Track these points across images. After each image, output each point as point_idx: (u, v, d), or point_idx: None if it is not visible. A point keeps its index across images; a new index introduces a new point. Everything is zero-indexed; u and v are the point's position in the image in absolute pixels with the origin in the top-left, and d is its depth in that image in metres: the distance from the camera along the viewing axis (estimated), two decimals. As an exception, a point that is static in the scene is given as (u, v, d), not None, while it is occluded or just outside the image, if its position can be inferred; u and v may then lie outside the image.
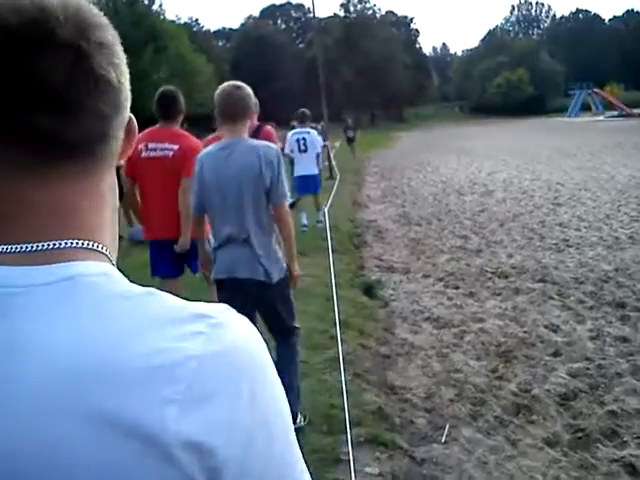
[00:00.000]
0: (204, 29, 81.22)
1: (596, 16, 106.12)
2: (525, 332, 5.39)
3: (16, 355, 0.52)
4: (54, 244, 0.57)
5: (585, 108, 64.88)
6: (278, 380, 0.60)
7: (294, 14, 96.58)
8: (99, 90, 0.58)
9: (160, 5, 53.57)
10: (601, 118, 55.59)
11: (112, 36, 0.62)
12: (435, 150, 29.48)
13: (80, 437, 0.50)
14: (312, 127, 11.05)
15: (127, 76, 0.64)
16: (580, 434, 3.67)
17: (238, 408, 0.54)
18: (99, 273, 0.58)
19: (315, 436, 3.42)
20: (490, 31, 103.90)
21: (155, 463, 0.51)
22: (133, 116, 0.67)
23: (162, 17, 52.00)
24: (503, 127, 50.57)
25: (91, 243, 0.60)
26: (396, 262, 8.26)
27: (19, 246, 0.57)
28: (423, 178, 18.52)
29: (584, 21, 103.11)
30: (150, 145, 4.41)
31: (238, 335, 0.58)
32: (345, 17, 76.63)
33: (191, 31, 63.11)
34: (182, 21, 67.42)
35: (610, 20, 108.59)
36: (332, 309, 5.30)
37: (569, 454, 3.50)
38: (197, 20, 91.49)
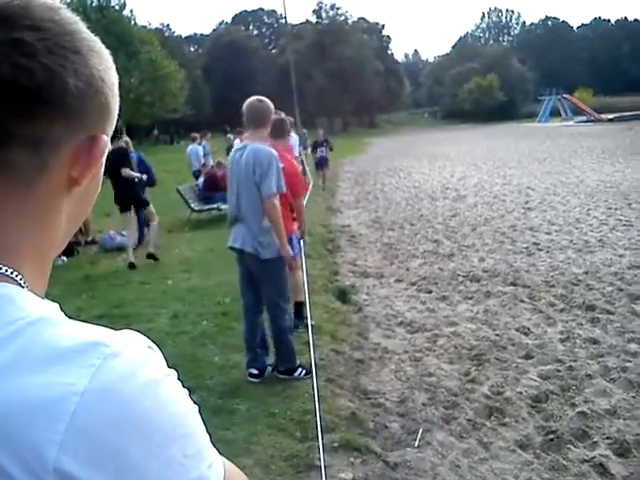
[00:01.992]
0: (175, 34, 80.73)
1: (565, 23, 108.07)
2: (497, 335, 5.43)
3: None
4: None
5: (555, 114, 65.90)
6: (170, 404, 0.56)
7: (266, 20, 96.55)
8: None
9: (131, 11, 53.24)
10: (570, 123, 56.52)
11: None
12: (407, 156, 29.68)
13: None
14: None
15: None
16: (551, 436, 3.70)
17: (122, 442, 0.52)
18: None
19: (288, 442, 3.40)
20: (461, 37, 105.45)
21: None
22: (105, 139, 0.63)
23: (133, 22, 51.66)
24: (474, 132, 51.11)
25: None
26: (370, 267, 8.28)
27: None
28: (396, 183, 18.62)
29: (553, 28, 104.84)
30: None
31: (131, 364, 0.54)
32: (317, 23, 76.82)
33: (162, 36, 62.74)
34: (153, 26, 67.06)
35: (578, 27, 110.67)
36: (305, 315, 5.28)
37: (541, 456, 3.52)
38: (168, 26, 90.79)
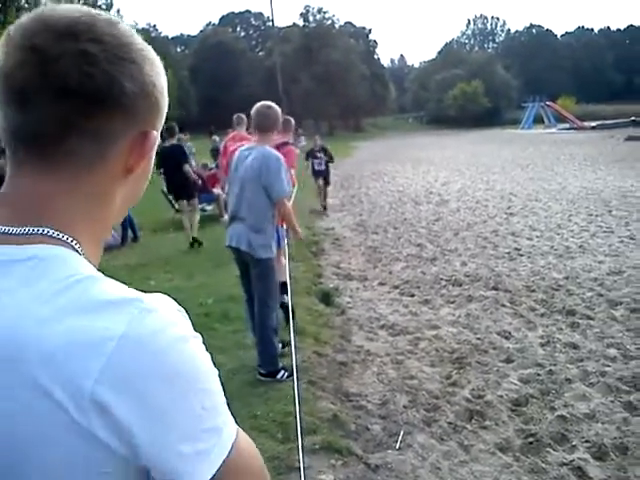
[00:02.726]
0: (162, 35, 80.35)
1: (549, 31, 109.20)
2: (478, 339, 5.47)
3: None
4: (26, 230, 0.69)
5: (538, 120, 66.49)
6: (194, 360, 0.69)
7: (254, 22, 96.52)
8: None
9: (118, 11, 52.67)
10: (553, 130, 57.04)
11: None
12: (392, 160, 29.78)
13: (19, 408, 0.62)
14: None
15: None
16: (531, 439, 3.74)
17: (149, 385, 0.63)
18: (54, 256, 0.67)
19: (270, 444, 3.40)
20: (447, 44, 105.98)
21: (78, 429, 0.62)
22: (155, 134, 0.77)
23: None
24: (458, 138, 51.41)
25: (56, 233, 0.70)
26: (353, 270, 8.30)
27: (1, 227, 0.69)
28: (380, 187, 18.69)
29: (537, 36, 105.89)
30: None
31: (163, 321, 0.66)
32: (304, 27, 76.93)
33: (149, 37, 62.45)
34: (140, 27, 66.68)
35: (562, 36, 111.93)
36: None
37: (520, 459, 3.56)
38: (155, 26, 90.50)
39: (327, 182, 14.43)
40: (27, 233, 0.68)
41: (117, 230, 9.73)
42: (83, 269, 0.68)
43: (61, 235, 0.70)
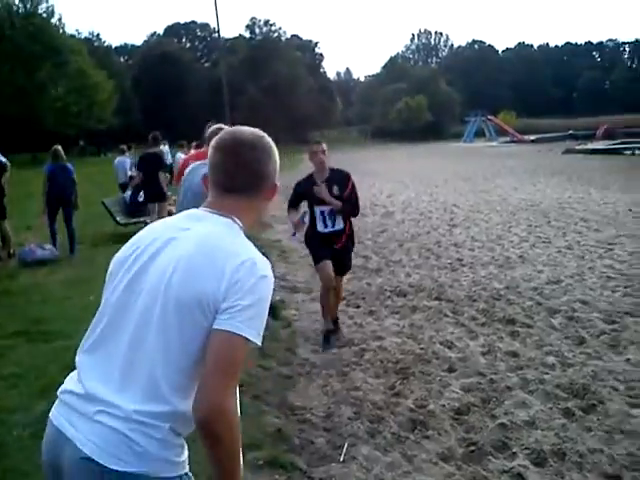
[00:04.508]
0: (105, 44, 78.91)
1: (490, 47, 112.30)
2: (421, 349, 5.53)
3: (190, 234, 1.60)
4: (226, 215, 1.66)
5: (480, 134, 68.24)
6: (269, 292, 1.60)
7: (199, 33, 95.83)
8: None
9: (59, 19, 51.43)
10: (494, 144, 58.66)
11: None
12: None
13: (207, 274, 1.52)
14: None
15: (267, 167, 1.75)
16: (473, 447, 3.78)
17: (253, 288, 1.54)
18: (233, 224, 1.65)
19: None
20: (391, 58, 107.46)
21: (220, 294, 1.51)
22: (278, 185, 1.77)
23: (61, 31, 50.25)
24: (403, 151, 52.19)
25: (237, 220, 1.66)
26: (300, 282, 8.29)
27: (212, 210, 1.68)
28: (327, 199, 18.73)
29: (479, 51, 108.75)
30: None
31: (265, 265, 1.60)
32: (250, 39, 76.95)
33: (92, 46, 61.25)
34: (83, 36, 65.38)
35: (503, 51, 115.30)
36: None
37: (462, 467, 3.59)
38: (98, 35, 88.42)
39: None
40: (224, 215, 1.66)
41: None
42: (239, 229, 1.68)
43: (237, 220, 1.67)
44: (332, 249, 5.78)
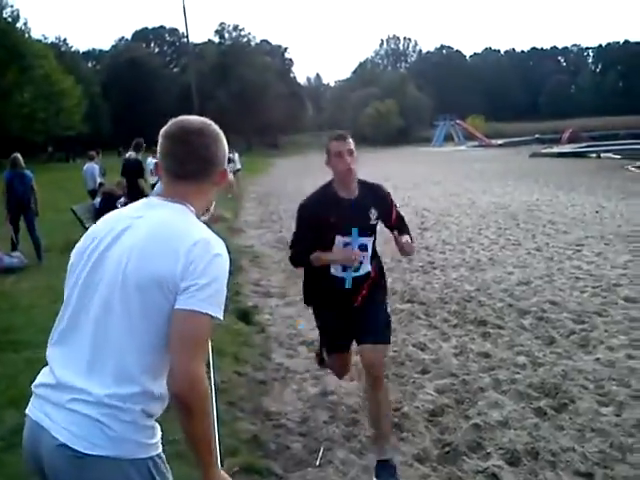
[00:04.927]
0: (73, 49, 77.91)
1: (458, 52, 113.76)
2: (395, 351, 5.55)
3: (142, 221, 1.68)
4: (178, 201, 1.74)
5: (448, 138, 69.01)
6: (226, 269, 1.67)
7: (168, 38, 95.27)
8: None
9: (25, 23, 50.53)
10: (463, 148, 59.36)
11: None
12: (310, 177, 29.96)
13: (162, 257, 1.59)
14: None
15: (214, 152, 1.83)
16: (447, 448, 3.81)
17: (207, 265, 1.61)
18: (185, 209, 1.73)
19: (186, 469, 3.30)
20: (361, 63, 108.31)
21: (177, 276, 1.61)
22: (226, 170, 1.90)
23: (27, 35, 49.44)
24: (373, 156, 52.46)
25: (190, 206, 1.74)
26: (273, 287, 8.27)
27: (165, 197, 1.77)
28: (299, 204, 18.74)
29: (447, 56, 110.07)
30: None
31: (218, 243, 1.69)
32: (220, 44, 76.73)
33: (59, 51, 60.40)
34: (49, 40, 64.42)
35: (471, 56, 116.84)
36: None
37: (438, 469, 3.62)
38: (65, 40, 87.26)
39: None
40: (176, 202, 1.73)
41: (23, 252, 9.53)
42: (193, 215, 1.75)
43: (189, 205, 1.74)
44: (349, 311, 3.71)
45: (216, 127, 1.82)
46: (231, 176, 15.58)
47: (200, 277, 1.57)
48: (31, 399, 1.67)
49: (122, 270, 1.60)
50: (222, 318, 1.61)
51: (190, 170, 1.75)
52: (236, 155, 22.54)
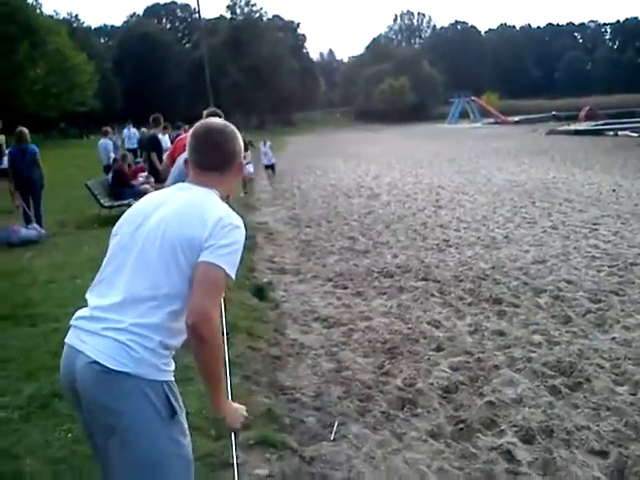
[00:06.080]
0: (84, 25, 77.51)
1: (473, 28, 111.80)
2: (409, 329, 5.56)
3: (176, 199, 2.08)
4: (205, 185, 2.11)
5: (464, 115, 68.22)
6: (242, 239, 2.01)
7: (180, 14, 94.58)
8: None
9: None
10: (478, 125, 58.69)
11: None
12: (323, 154, 29.92)
13: (194, 223, 1.96)
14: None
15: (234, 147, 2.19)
16: (461, 425, 3.82)
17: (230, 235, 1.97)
18: (211, 191, 2.10)
19: (203, 441, 3.34)
20: (374, 39, 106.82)
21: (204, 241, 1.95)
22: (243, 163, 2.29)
23: (39, 11, 49.23)
24: (387, 133, 52.18)
25: (214, 190, 2.11)
26: (287, 263, 8.28)
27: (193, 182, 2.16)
28: (313, 181, 18.74)
29: (462, 32, 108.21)
30: None
31: (239, 222, 2.02)
32: (232, 19, 76.03)
33: (71, 27, 60.12)
34: (61, 16, 64.08)
35: (486, 32, 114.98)
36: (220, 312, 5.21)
37: (452, 445, 3.63)
38: (77, 16, 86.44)
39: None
40: (203, 185, 2.10)
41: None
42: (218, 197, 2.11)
43: (215, 190, 2.11)
44: None
45: (233, 128, 2.20)
46: (249, 168, 13.96)
47: (221, 239, 1.93)
48: (68, 332, 2.00)
49: (161, 231, 1.96)
50: (234, 278, 1.95)
51: (214, 163, 2.14)
52: (267, 144, 17.59)
